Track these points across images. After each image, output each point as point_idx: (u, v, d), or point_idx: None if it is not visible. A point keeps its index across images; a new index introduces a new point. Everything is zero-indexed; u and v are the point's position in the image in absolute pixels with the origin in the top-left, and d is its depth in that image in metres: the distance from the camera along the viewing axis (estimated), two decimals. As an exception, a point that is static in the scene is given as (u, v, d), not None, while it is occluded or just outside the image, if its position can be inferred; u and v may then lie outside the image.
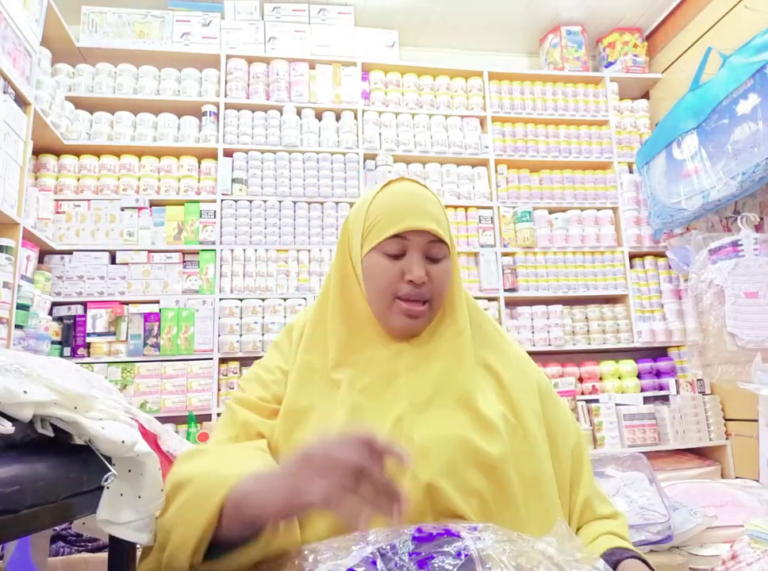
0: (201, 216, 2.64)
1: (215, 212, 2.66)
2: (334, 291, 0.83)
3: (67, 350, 2.45)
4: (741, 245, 2.29)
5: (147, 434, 0.94)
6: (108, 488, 0.59)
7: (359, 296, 0.81)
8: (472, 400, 0.75)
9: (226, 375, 2.52)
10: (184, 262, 2.64)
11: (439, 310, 0.82)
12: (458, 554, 0.52)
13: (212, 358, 2.52)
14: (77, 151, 2.63)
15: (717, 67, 2.34)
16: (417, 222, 0.77)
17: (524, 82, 3.08)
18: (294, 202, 2.74)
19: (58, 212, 2.54)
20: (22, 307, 2.05)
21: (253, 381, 0.83)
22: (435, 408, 0.75)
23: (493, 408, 0.75)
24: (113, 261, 2.59)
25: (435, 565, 0.52)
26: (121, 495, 0.60)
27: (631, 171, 3.07)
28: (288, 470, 0.59)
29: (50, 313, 2.40)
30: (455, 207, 2.88)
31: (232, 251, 2.64)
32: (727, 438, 2.63)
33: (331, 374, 0.79)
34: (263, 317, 2.58)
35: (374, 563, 0.52)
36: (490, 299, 2.79)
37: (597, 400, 2.67)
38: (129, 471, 0.61)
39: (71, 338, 2.46)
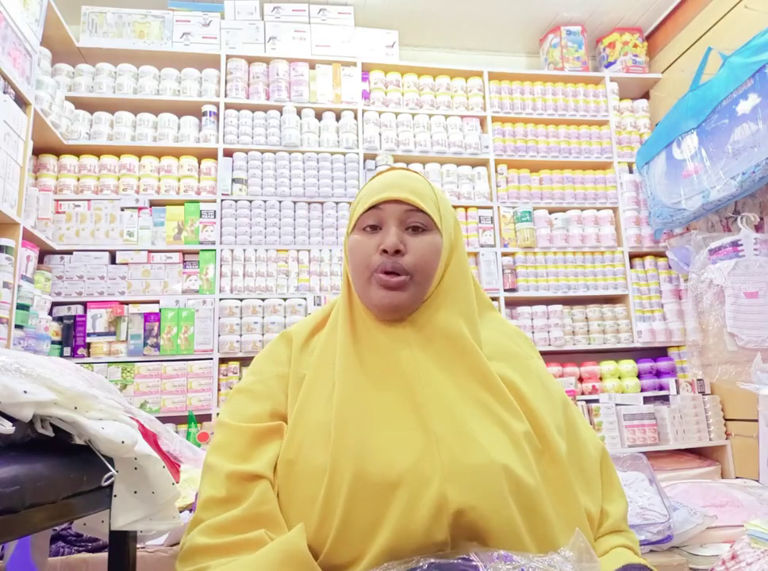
0: (201, 216, 2.64)
1: (215, 212, 2.66)
2: (341, 290, 0.81)
3: (67, 350, 2.45)
4: (741, 245, 2.29)
5: (147, 434, 0.93)
6: (116, 496, 0.59)
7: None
8: (498, 413, 0.70)
9: (226, 375, 2.52)
10: (184, 262, 2.64)
11: (427, 287, 0.76)
12: None
13: (212, 358, 2.52)
14: (77, 151, 2.63)
15: (717, 67, 2.33)
16: (392, 193, 0.75)
17: (524, 82, 3.08)
18: (294, 202, 2.74)
19: (58, 212, 2.54)
20: (22, 307, 2.05)
21: (239, 405, 0.76)
22: (463, 418, 0.69)
23: (520, 426, 0.70)
24: (113, 261, 2.59)
25: None
26: (135, 492, 0.60)
27: (631, 171, 3.07)
28: None
29: (50, 313, 2.40)
30: (455, 207, 2.88)
31: (232, 251, 2.63)
32: (727, 438, 2.63)
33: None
34: (263, 317, 2.58)
35: None
36: (490, 299, 2.79)
37: (597, 400, 2.67)
38: (135, 469, 0.61)
39: (71, 338, 2.46)
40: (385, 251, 0.73)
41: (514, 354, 0.80)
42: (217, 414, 2.42)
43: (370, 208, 0.75)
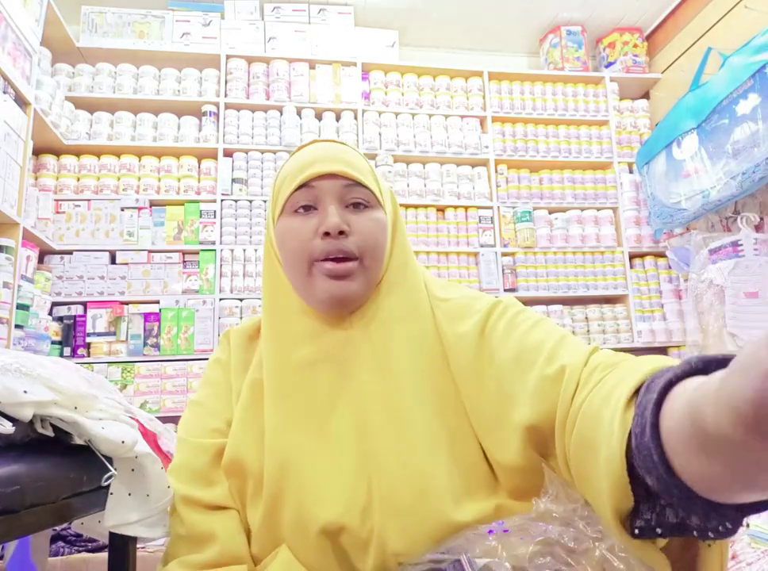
0: (201, 216, 2.64)
1: (215, 212, 2.66)
2: (263, 286, 0.71)
3: (67, 350, 2.45)
4: (741, 245, 2.29)
5: (147, 434, 0.93)
6: (112, 493, 0.59)
7: (283, 277, 0.68)
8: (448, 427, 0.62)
9: (226, 375, 2.52)
10: (184, 262, 2.64)
11: (377, 273, 0.66)
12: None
13: (212, 358, 2.51)
14: (77, 151, 2.63)
15: (717, 66, 2.33)
16: (325, 166, 0.64)
17: (524, 82, 3.08)
18: (294, 202, 2.74)
19: (58, 212, 2.54)
20: (22, 307, 2.05)
21: (197, 418, 0.70)
22: (408, 445, 0.60)
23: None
24: (113, 261, 2.59)
25: None
26: (129, 494, 0.60)
27: (631, 171, 3.06)
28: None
29: (50, 313, 2.40)
30: (455, 207, 2.88)
31: (232, 251, 2.63)
32: (727, 438, 2.62)
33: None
34: (263, 317, 2.57)
35: None
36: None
37: (597, 400, 2.67)
38: (133, 470, 0.61)
39: (71, 338, 2.46)
40: (327, 234, 0.62)
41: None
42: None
43: (300, 187, 0.64)
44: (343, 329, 0.66)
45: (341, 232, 0.62)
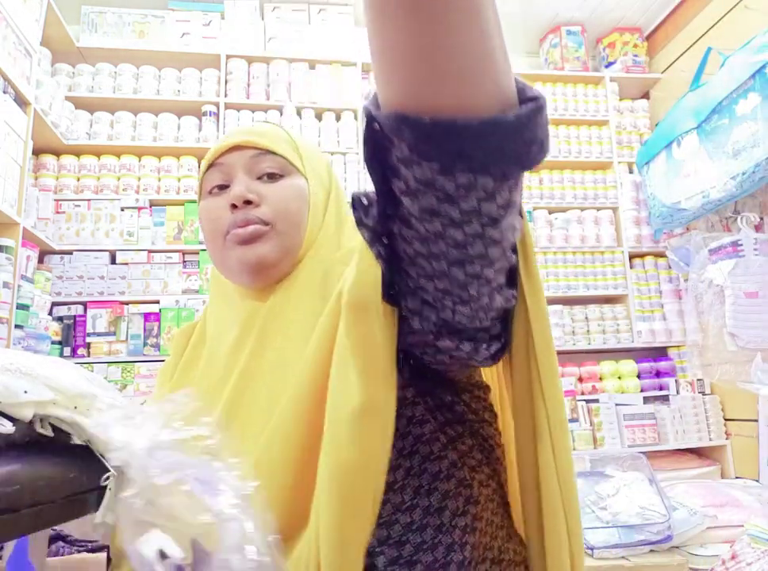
0: (201, 216, 2.64)
1: (215, 212, 2.66)
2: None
3: (67, 350, 2.45)
4: (741, 245, 2.29)
5: (147, 434, 0.93)
6: (110, 489, 0.59)
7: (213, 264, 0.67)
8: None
9: (226, 375, 2.52)
10: (184, 262, 2.64)
11: (296, 238, 0.62)
12: None
13: (212, 358, 2.51)
14: (77, 151, 2.63)
15: (717, 66, 2.34)
16: (232, 139, 0.62)
17: (524, 82, 3.08)
18: (294, 202, 2.74)
19: (58, 212, 2.54)
20: (22, 307, 2.05)
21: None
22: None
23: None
24: (113, 261, 2.59)
25: None
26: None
27: (631, 171, 3.07)
28: None
29: (50, 313, 2.40)
30: (455, 207, 2.87)
31: (232, 250, 2.63)
32: (727, 438, 2.62)
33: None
34: (263, 317, 2.58)
35: None
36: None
37: (596, 400, 2.67)
38: (130, 471, 0.61)
39: (71, 338, 2.46)
40: (234, 206, 0.60)
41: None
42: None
43: (210, 167, 0.63)
44: (263, 300, 0.62)
45: (248, 202, 0.60)
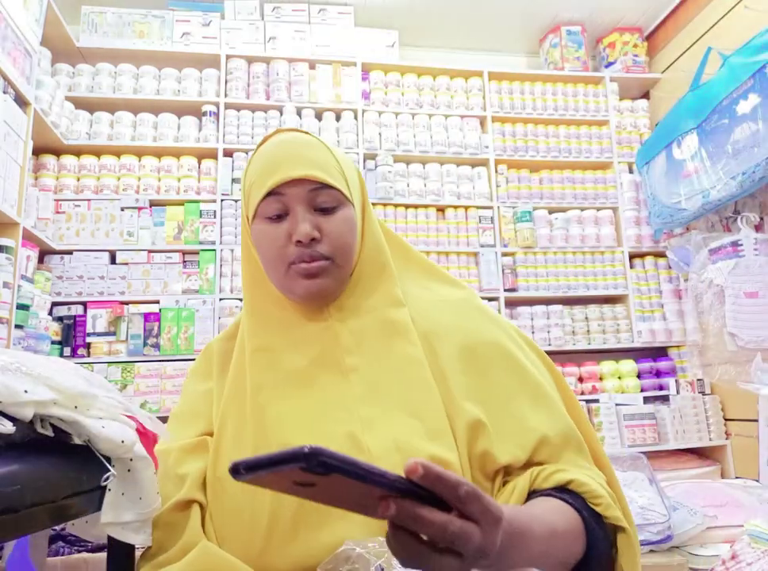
0: (201, 216, 2.64)
1: (215, 212, 2.66)
2: (243, 274, 0.76)
3: (67, 350, 2.45)
4: (741, 245, 2.29)
5: (146, 434, 0.93)
6: (110, 489, 0.59)
7: (261, 269, 0.72)
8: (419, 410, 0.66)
9: (226, 375, 2.52)
10: (184, 262, 2.64)
11: (349, 267, 0.70)
12: None
13: (212, 358, 2.51)
14: (77, 151, 2.63)
15: (717, 67, 2.34)
16: (290, 171, 0.66)
17: (524, 82, 3.08)
18: (294, 202, 2.74)
19: (58, 212, 2.54)
20: (22, 307, 2.05)
21: (173, 431, 0.72)
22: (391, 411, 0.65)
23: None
24: (113, 261, 2.59)
25: None
26: (123, 494, 0.60)
27: (631, 171, 3.07)
28: None
29: (50, 313, 2.40)
30: (455, 207, 2.88)
31: (232, 251, 2.63)
32: (727, 438, 2.63)
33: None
34: (263, 317, 2.57)
35: None
36: (490, 299, 2.79)
37: (597, 400, 2.67)
38: (129, 471, 0.61)
39: (71, 338, 2.46)
40: (299, 242, 0.65)
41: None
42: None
43: (269, 195, 0.67)
44: (323, 320, 0.71)
45: (312, 239, 0.66)
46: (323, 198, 0.67)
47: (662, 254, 2.94)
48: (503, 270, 2.83)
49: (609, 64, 3.23)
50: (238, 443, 0.66)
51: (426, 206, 2.85)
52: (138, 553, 0.66)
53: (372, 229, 0.74)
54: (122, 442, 0.58)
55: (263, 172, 0.68)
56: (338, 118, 2.90)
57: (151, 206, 2.65)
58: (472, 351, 0.69)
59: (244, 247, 0.74)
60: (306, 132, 0.72)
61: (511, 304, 2.85)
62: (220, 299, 2.58)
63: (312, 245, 0.66)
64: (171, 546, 0.62)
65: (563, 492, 0.59)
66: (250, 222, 0.70)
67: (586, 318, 2.88)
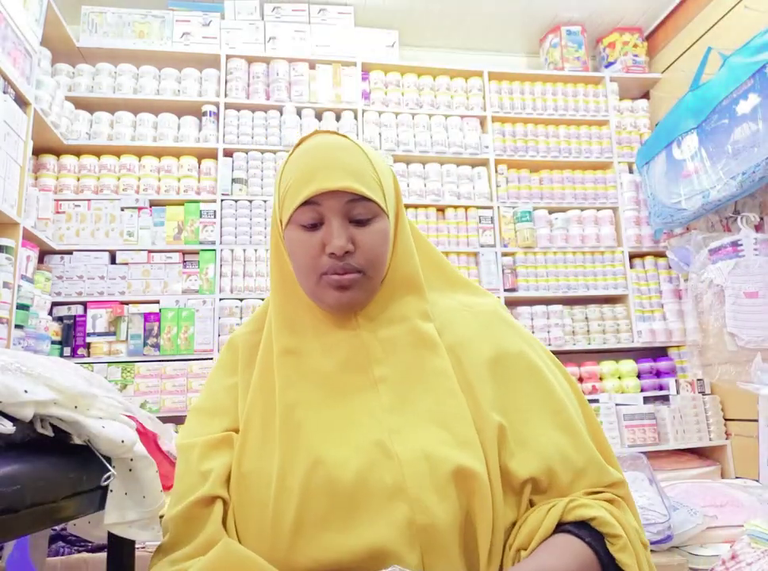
0: (201, 216, 2.64)
1: (215, 212, 2.66)
2: (272, 273, 0.75)
3: (67, 350, 2.45)
4: (741, 245, 2.29)
5: (146, 434, 0.93)
6: (111, 490, 0.59)
7: (292, 271, 0.72)
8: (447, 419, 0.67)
9: (226, 375, 2.52)
10: (184, 262, 2.64)
11: (379, 279, 0.71)
12: None
13: (212, 358, 2.51)
14: (77, 151, 2.63)
15: (717, 67, 2.34)
16: (327, 182, 0.65)
17: (524, 82, 3.08)
18: (294, 202, 2.74)
19: (58, 212, 2.54)
20: (22, 307, 2.05)
21: (195, 425, 0.71)
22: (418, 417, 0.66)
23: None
24: (113, 261, 2.59)
25: None
26: (126, 494, 0.60)
27: (631, 171, 3.07)
28: None
29: (50, 313, 2.40)
30: (455, 207, 2.88)
31: (232, 251, 2.63)
32: (727, 438, 2.63)
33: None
34: (263, 317, 2.57)
35: None
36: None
37: (597, 400, 2.67)
38: (130, 471, 0.61)
39: (71, 338, 2.46)
40: (333, 254, 0.66)
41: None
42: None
43: (305, 204, 0.67)
44: (351, 328, 0.71)
45: (346, 252, 0.66)
46: (359, 210, 0.67)
47: (662, 254, 2.94)
48: (503, 270, 2.83)
49: (609, 64, 3.23)
50: (264, 444, 0.66)
51: (426, 206, 2.85)
52: (138, 554, 0.66)
53: (404, 238, 0.74)
54: (122, 442, 0.58)
55: (299, 179, 0.67)
56: (338, 118, 2.90)
57: (151, 206, 2.65)
58: (498, 362, 0.70)
59: (275, 248, 0.74)
60: (344, 136, 0.71)
61: (511, 304, 2.85)
62: (220, 299, 2.58)
63: (345, 258, 0.66)
64: (190, 542, 0.62)
65: (583, 527, 0.61)
66: (283, 225, 0.70)
67: (586, 318, 2.88)
